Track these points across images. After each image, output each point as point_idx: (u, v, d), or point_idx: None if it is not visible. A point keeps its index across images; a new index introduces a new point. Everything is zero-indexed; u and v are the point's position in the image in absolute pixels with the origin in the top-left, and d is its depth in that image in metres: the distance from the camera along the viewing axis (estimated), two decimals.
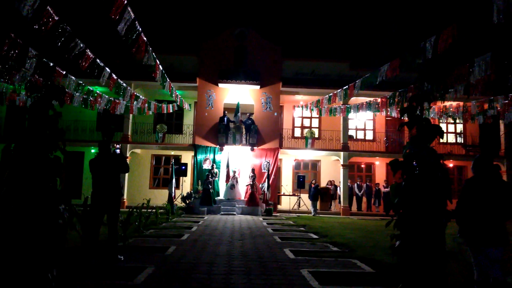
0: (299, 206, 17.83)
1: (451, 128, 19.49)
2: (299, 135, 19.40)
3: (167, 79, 10.81)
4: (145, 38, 7.52)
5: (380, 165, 19.46)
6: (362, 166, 19.67)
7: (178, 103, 14.55)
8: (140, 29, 7.01)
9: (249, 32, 18.08)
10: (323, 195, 17.32)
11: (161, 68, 9.76)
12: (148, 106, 13.48)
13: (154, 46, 8.72)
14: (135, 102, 12.15)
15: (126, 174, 16.78)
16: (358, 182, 18.33)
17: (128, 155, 17.25)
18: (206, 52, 17.88)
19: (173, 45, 21.47)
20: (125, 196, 16.96)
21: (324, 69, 18.40)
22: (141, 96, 12.60)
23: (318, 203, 16.93)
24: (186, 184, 18.23)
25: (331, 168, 19.18)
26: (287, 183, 18.91)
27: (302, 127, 19.87)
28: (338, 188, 17.99)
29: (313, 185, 16.47)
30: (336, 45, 24.82)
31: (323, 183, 18.57)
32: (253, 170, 16.48)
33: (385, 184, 18.15)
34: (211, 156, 17.11)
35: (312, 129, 19.01)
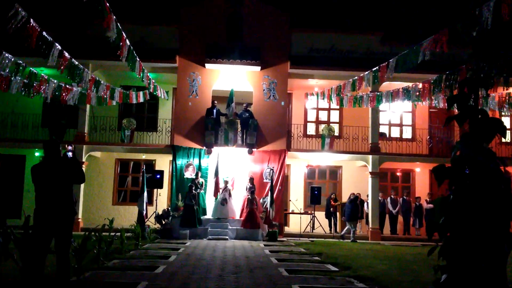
0: (313, 228, 17.81)
1: None
2: (314, 133, 19.40)
3: (137, 58, 10.82)
4: (107, 3, 7.53)
5: (421, 173, 19.47)
6: (398, 174, 19.66)
7: (151, 90, 14.53)
8: None
9: None
10: (345, 214, 17.35)
11: (128, 43, 9.77)
12: (111, 95, 13.50)
13: (119, 14, 8.73)
14: (94, 89, 12.15)
15: (82, 186, 16.72)
16: (392, 196, 18.34)
17: (84, 159, 17.24)
18: (189, 21, 17.92)
19: (145, 12, 21.45)
20: (79, 215, 16.98)
21: (346, 44, 18.43)
22: (102, 81, 12.62)
23: (358, 224, 17.04)
24: (162, 198, 18.24)
25: (356, 177, 19.19)
26: (297, 197, 18.95)
27: (318, 122, 19.84)
28: (366, 203, 18.01)
29: (352, 196, 16.51)
30: (363, 11, 24.77)
31: (344, 197, 18.59)
32: (251, 180, 16.49)
33: (429, 198, 18.17)
34: (196, 161, 17.11)
35: (330, 124, 19.02)
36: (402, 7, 23.67)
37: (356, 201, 16.49)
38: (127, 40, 9.57)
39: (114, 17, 8.02)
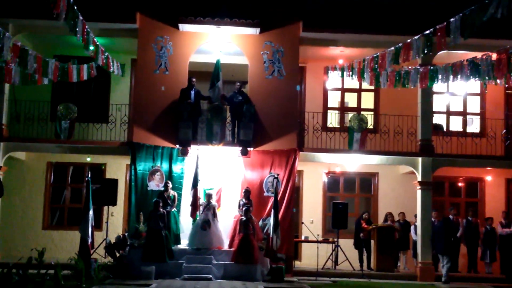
0: (336, 262, 17.76)
1: None
2: (337, 125, 19.34)
3: (79, 15, 10.76)
4: None
5: (494, 183, 19.45)
6: (460, 184, 19.60)
7: (100, 63, 14.42)
8: None
9: None
10: (382, 242, 17.37)
11: None
12: (43, 70, 13.38)
13: None
14: (16, 61, 12.07)
15: None
16: (451, 216, 18.31)
17: (1, 164, 17.20)
18: None
19: None
20: None
21: None
22: (29, 50, 12.51)
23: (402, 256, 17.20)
24: (116, 220, 18.22)
25: (398, 189, 19.17)
26: (312, 218, 18.96)
27: (343, 109, 19.76)
28: (413, 227, 18.01)
29: (450, 215, 16.60)
30: None
31: (380, 218, 18.57)
32: (246, 194, 16.46)
33: (505, 220, 18.16)
34: (165, 165, 17.08)
35: (362, 113, 18.94)
36: None
37: (451, 222, 16.82)
38: None
39: None
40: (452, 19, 10.71)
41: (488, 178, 19.43)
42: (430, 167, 17.72)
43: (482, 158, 18.27)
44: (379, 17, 18.13)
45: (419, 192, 17.72)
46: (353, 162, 18.58)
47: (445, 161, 17.99)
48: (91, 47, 12.63)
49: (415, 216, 17.89)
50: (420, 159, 17.78)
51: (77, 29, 10.71)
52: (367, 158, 18.19)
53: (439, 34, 11.29)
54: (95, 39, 13.16)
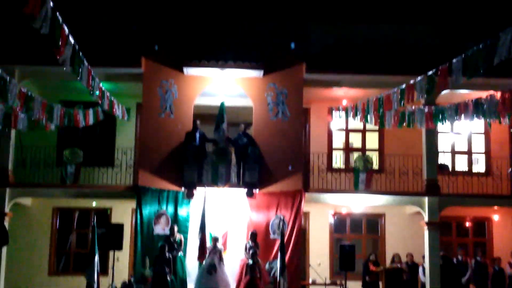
0: None
1: None
2: (342, 166, 19.36)
3: (84, 60, 10.82)
4: None
5: (502, 222, 19.37)
6: (467, 224, 19.46)
7: (105, 108, 14.48)
8: None
9: None
10: (390, 284, 17.14)
11: (71, 41, 9.78)
12: (48, 115, 13.41)
13: None
14: (22, 107, 12.09)
15: (4, 249, 16.65)
16: (459, 257, 18.13)
17: (7, 209, 17.15)
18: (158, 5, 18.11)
19: None
20: None
21: (388, 38, 18.55)
22: (35, 96, 12.55)
23: None
24: (122, 265, 18.10)
25: (405, 230, 19.09)
26: (320, 260, 18.84)
27: (348, 149, 19.76)
28: (421, 268, 17.84)
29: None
30: None
31: (388, 259, 18.38)
32: (253, 236, 16.39)
33: None
34: (170, 209, 17.03)
35: (367, 153, 19.00)
36: None
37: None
38: (69, 35, 9.58)
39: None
40: (454, 59, 10.73)
41: (496, 217, 19.31)
42: (437, 207, 17.62)
43: (489, 197, 18.20)
44: (381, 58, 18.31)
45: (426, 233, 17.58)
46: (359, 203, 18.50)
47: (451, 201, 17.88)
48: (97, 92, 12.67)
49: (423, 257, 17.70)
50: (426, 199, 17.68)
51: (82, 74, 10.73)
52: (373, 198, 18.11)
53: (441, 74, 11.30)
54: (100, 85, 13.22)
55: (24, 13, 7.67)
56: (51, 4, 8.13)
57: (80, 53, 10.51)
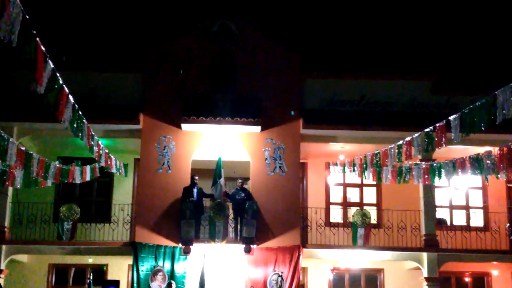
0: None
1: None
2: (340, 220, 19.25)
3: (83, 118, 10.84)
4: (43, 49, 7.60)
5: (501, 278, 19.17)
6: (466, 280, 19.25)
7: (103, 164, 14.46)
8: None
9: (239, 27, 18.48)
10: None
11: (71, 99, 9.80)
12: (45, 172, 13.36)
13: (55, 56, 8.81)
14: (20, 165, 12.04)
15: None
16: None
17: (2, 266, 16.99)
18: (158, 65, 18.26)
19: (97, 54, 21.92)
20: None
21: (383, 94, 18.72)
22: (33, 154, 12.52)
23: None
24: None
25: (404, 286, 18.90)
26: None
27: (345, 204, 19.68)
28: None
29: None
30: (403, 48, 25.38)
31: None
32: None
33: None
34: (167, 265, 16.89)
35: (364, 208, 18.89)
36: (458, 46, 24.24)
37: None
38: (68, 95, 9.60)
39: (52, 64, 8.04)
40: (451, 117, 10.76)
41: (495, 272, 19.11)
42: (436, 262, 17.47)
43: (487, 252, 18.10)
44: (377, 114, 18.41)
45: None
46: (358, 258, 18.32)
47: (450, 256, 17.77)
48: (95, 149, 12.67)
49: None
50: (425, 254, 17.53)
51: (80, 131, 10.73)
52: (371, 254, 17.95)
53: (438, 131, 11.33)
54: (99, 142, 13.22)
55: (34, 80, 7.76)
56: (51, 64, 8.19)
57: (80, 112, 10.54)
